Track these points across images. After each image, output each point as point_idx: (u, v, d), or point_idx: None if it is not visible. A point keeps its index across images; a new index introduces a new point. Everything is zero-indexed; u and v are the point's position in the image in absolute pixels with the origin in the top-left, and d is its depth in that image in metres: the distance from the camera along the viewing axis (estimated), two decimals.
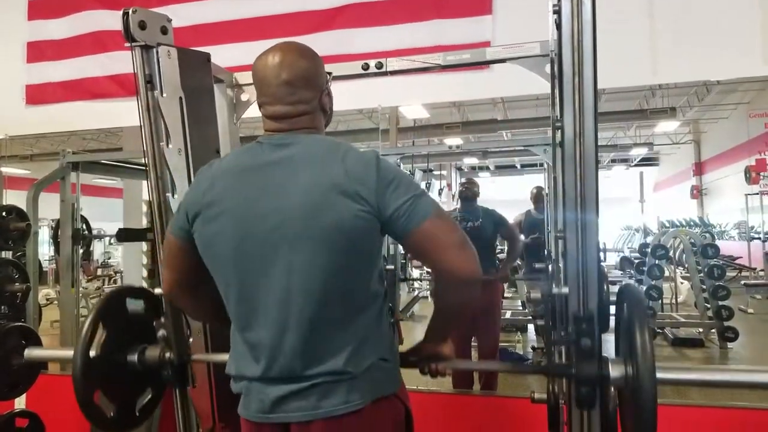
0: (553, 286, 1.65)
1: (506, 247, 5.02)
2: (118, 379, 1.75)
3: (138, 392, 1.83)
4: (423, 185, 9.07)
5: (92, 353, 1.65)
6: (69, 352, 1.67)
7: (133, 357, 1.75)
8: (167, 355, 1.76)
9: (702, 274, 7.36)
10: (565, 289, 1.49)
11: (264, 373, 1.43)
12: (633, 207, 22.26)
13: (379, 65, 2.13)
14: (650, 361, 1.27)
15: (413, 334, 8.59)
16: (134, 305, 1.84)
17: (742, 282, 9.96)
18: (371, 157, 1.42)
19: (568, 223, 1.50)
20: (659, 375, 1.29)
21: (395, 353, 1.54)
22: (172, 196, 1.87)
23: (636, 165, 22.65)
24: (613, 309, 1.49)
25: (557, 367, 1.53)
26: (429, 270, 13.92)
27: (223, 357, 1.78)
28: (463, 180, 5.06)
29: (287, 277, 1.39)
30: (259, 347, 1.44)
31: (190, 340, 1.88)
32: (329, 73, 1.62)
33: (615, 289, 1.64)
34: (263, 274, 1.41)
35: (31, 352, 2.12)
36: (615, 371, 1.39)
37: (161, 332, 1.80)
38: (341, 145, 1.46)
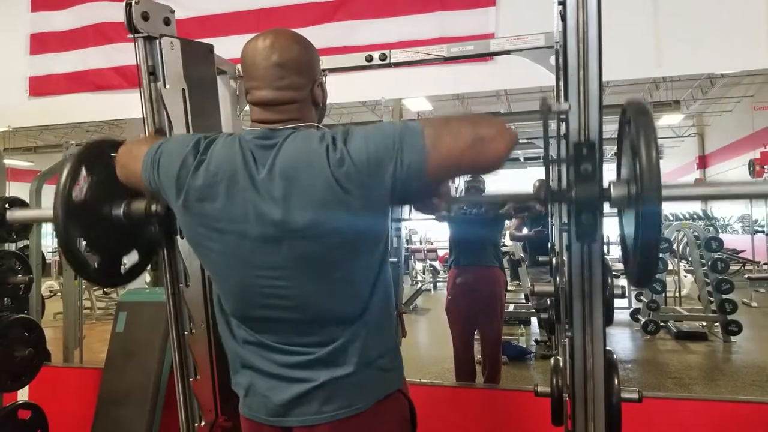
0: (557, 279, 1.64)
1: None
2: (103, 232, 1.66)
3: (123, 249, 1.76)
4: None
5: (75, 197, 1.56)
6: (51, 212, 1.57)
7: (119, 211, 1.67)
8: (153, 207, 1.67)
9: (706, 268, 7.34)
10: (566, 105, 1.37)
11: (267, 371, 1.41)
12: None
13: (383, 57, 2.13)
14: (657, 178, 1.09)
15: (416, 326, 8.61)
16: None
17: (746, 275, 9.95)
18: (341, 146, 1.25)
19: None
20: (664, 192, 1.12)
21: (398, 348, 1.52)
22: None
23: None
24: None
25: (556, 193, 1.45)
26: (431, 264, 13.94)
27: None
28: (468, 177, 5.03)
29: (288, 281, 1.34)
30: (260, 346, 1.42)
31: None
32: (324, 71, 1.52)
33: (619, 282, 1.62)
34: (263, 277, 1.35)
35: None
36: (617, 192, 1.25)
37: None
38: (323, 140, 1.27)
